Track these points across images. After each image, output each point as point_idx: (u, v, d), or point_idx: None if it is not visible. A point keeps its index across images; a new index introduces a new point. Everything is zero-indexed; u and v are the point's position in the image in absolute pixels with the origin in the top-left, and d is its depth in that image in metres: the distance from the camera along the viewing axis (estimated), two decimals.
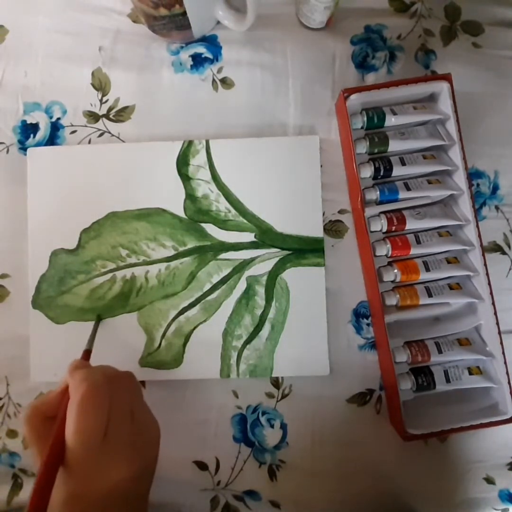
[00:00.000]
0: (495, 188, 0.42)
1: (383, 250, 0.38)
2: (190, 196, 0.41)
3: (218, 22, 0.41)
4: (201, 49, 0.42)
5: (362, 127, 0.39)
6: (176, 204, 0.40)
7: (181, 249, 0.40)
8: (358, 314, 0.40)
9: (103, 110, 0.42)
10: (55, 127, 0.42)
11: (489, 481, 0.40)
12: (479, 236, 0.37)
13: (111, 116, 0.42)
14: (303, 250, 0.40)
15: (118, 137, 0.42)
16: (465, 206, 0.37)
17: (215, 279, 0.40)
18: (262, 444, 0.40)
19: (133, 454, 0.28)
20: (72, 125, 0.42)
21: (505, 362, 0.36)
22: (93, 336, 0.37)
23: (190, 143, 0.41)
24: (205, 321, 0.40)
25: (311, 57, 0.42)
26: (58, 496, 0.25)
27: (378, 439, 0.39)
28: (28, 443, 0.28)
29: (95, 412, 0.27)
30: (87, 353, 0.35)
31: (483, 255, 0.37)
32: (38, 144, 0.42)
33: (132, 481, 0.27)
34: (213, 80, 0.42)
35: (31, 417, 0.28)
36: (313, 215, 0.40)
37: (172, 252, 0.40)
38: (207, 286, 0.40)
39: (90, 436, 0.26)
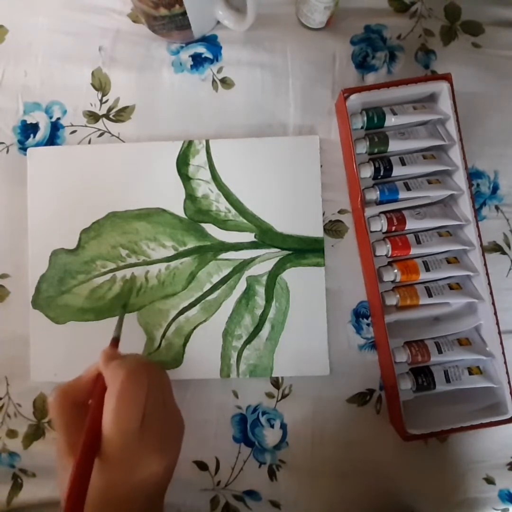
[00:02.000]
0: (495, 188, 0.42)
1: (383, 250, 0.38)
2: (190, 196, 0.41)
3: (218, 22, 0.41)
4: (201, 49, 0.42)
5: (362, 127, 0.39)
6: (176, 204, 0.40)
7: (181, 249, 0.40)
8: (358, 314, 0.40)
9: (103, 110, 0.42)
10: (55, 127, 0.42)
11: (489, 481, 0.40)
12: (479, 236, 0.37)
13: (111, 116, 0.42)
14: (303, 250, 0.40)
15: (118, 137, 0.42)
16: (465, 206, 0.37)
17: (215, 279, 0.40)
18: (262, 444, 0.40)
19: (164, 445, 0.28)
20: (72, 125, 0.42)
21: (505, 362, 0.36)
22: (120, 324, 0.36)
23: (190, 143, 0.41)
24: (205, 321, 0.40)
25: (311, 57, 0.42)
26: (95, 485, 0.25)
27: (378, 439, 0.39)
28: (55, 428, 0.27)
29: (135, 400, 0.27)
30: (115, 341, 0.34)
31: (483, 255, 0.37)
32: (38, 144, 0.42)
33: (161, 475, 0.27)
34: (213, 80, 0.42)
35: (60, 402, 0.28)
36: (313, 215, 0.40)
37: (172, 252, 0.40)
38: (207, 286, 0.40)
39: (129, 425, 0.26)
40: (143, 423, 0.27)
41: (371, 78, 0.42)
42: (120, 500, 0.26)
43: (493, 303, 0.37)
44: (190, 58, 0.42)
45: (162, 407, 0.29)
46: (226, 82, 0.42)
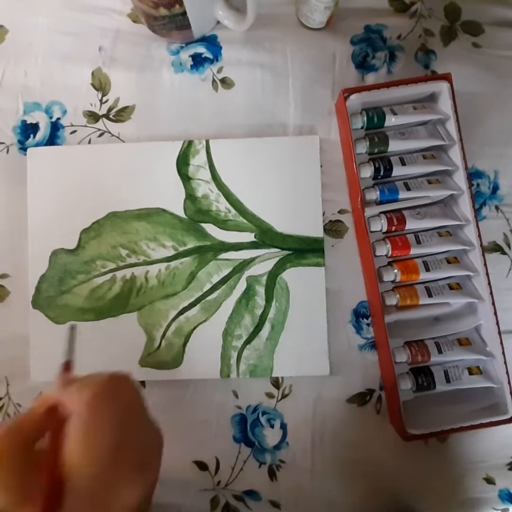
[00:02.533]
0: (495, 188, 0.42)
1: (383, 250, 0.38)
2: (190, 196, 0.41)
3: (218, 22, 0.41)
4: (201, 49, 0.42)
5: (362, 127, 0.39)
6: (176, 204, 0.40)
7: (181, 249, 0.40)
8: (358, 314, 0.40)
9: (103, 110, 0.42)
10: (55, 127, 0.42)
11: (489, 481, 0.40)
12: (479, 236, 0.37)
13: (111, 116, 0.42)
14: (303, 250, 0.40)
15: (118, 137, 0.42)
16: (465, 206, 0.37)
17: (215, 279, 0.40)
18: (262, 444, 0.40)
19: (143, 466, 0.24)
20: (72, 125, 0.42)
21: (505, 362, 0.36)
22: (71, 345, 0.32)
23: (190, 143, 0.41)
24: (205, 321, 0.40)
25: (311, 57, 0.42)
26: None
27: (378, 439, 0.39)
28: (6, 481, 0.21)
29: (108, 423, 0.23)
30: (68, 365, 0.29)
31: (483, 255, 0.37)
32: (38, 144, 0.42)
33: (141, 498, 0.23)
34: (213, 80, 0.42)
35: (9, 442, 0.22)
36: (313, 215, 0.40)
37: (172, 252, 0.40)
38: (207, 286, 0.40)
39: (101, 453, 0.22)
40: (118, 447, 0.22)
41: (371, 78, 0.42)
42: None
43: (493, 303, 0.37)
44: (190, 58, 0.42)
45: (137, 422, 0.25)
46: (226, 82, 0.42)
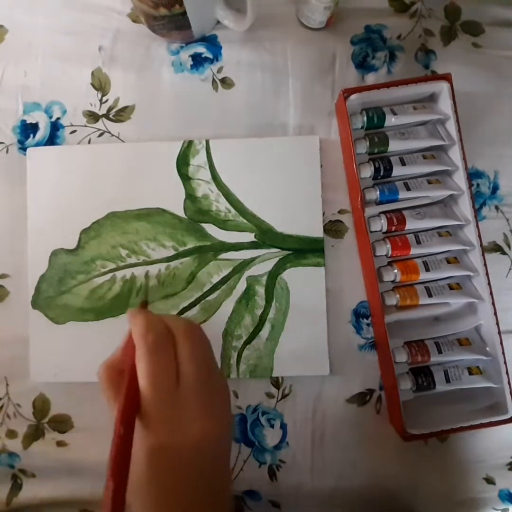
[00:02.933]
0: (495, 188, 0.42)
1: (383, 250, 0.38)
2: (190, 196, 0.41)
3: (218, 22, 0.41)
4: (201, 49, 0.42)
5: (362, 127, 0.39)
6: (176, 204, 0.40)
7: (181, 249, 0.40)
8: (358, 314, 0.40)
9: (103, 110, 0.42)
10: (55, 127, 0.42)
11: (489, 481, 0.40)
12: (479, 236, 0.37)
13: (111, 116, 0.42)
14: (303, 250, 0.40)
15: (118, 137, 0.42)
16: (465, 206, 0.37)
17: (215, 279, 0.40)
18: (262, 444, 0.40)
19: (207, 404, 0.26)
20: (72, 125, 0.42)
21: (505, 362, 0.36)
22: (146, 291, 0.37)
23: (190, 143, 0.41)
24: (205, 321, 0.40)
25: (311, 57, 0.42)
26: (140, 450, 0.24)
27: (378, 439, 0.39)
28: (108, 401, 0.26)
29: (164, 353, 0.25)
30: (144, 304, 0.33)
31: (483, 255, 0.37)
32: (37, 144, 0.42)
33: (214, 441, 0.26)
34: (213, 80, 0.42)
35: (106, 375, 0.27)
36: (313, 215, 0.40)
37: (172, 252, 0.40)
38: (207, 286, 0.40)
39: (162, 379, 0.25)
40: (180, 384, 0.25)
41: (371, 78, 0.42)
42: (172, 462, 0.25)
43: (493, 303, 0.37)
44: (190, 58, 0.42)
45: (204, 370, 0.27)
46: (226, 82, 0.42)
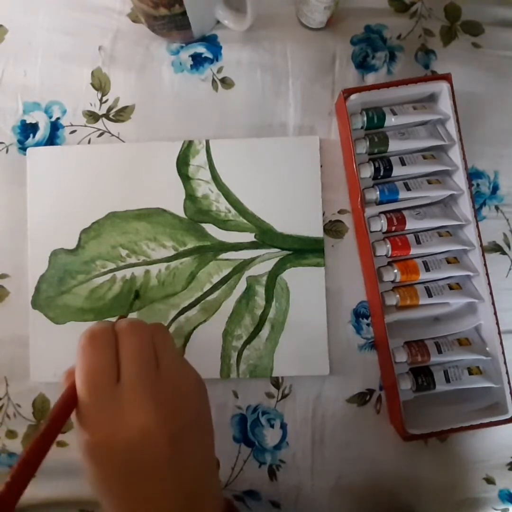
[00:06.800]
0: (495, 188, 0.42)
1: (383, 250, 0.38)
2: (190, 196, 0.41)
3: (218, 22, 0.41)
4: (201, 49, 0.42)
5: (362, 127, 0.39)
6: (176, 204, 0.40)
7: (181, 249, 0.40)
8: (358, 314, 0.40)
9: (103, 110, 0.42)
10: (55, 127, 0.42)
11: (489, 481, 0.40)
12: (479, 236, 0.37)
13: (110, 116, 0.42)
14: (303, 250, 0.40)
15: (118, 137, 0.42)
16: (465, 206, 0.38)
17: (215, 279, 0.40)
18: (262, 444, 0.40)
19: (155, 402, 0.25)
20: (71, 125, 0.42)
21: (505, 362, 0.36)
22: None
23: (190, 143, 0.41)
24: (205, 321, 0.40)
25: (311, 57, 0.42)
26: (78, 447, 0.25)
27: (378, 439, 0.39)
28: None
29: (98, 351, 0.25)
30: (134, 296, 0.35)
31: (483, 255, 0.37)
32: (37, 144, 0.42)
33: (152, 438, 0.24)
34: (213, 80, 0.42)
35: (68, 376, 0.27)
36: (313, 215, 0.40)
37: (172, 252, 0.40)
38: (207, 286, 0.40)
39: (96, 377, 0.25)
40: (121, 380, 0.25)
41: (371, 78, 0.42)
42: (106, 458, 0.25)
43: (493, 303, 0.37)
44: (190, 58, 0.42)
45: (151, 365, 0.26)
46: (226, 82, 0.42)
